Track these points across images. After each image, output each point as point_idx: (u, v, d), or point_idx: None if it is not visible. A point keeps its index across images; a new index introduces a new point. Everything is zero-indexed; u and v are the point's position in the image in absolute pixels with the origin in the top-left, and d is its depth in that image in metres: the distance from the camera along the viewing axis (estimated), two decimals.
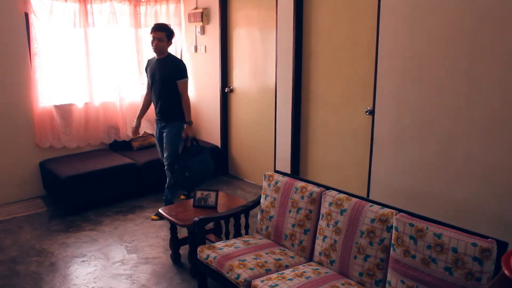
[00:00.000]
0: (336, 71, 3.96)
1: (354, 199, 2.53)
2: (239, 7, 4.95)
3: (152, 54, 4.12)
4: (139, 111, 4.28)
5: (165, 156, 4.09)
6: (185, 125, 4.06)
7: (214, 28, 5.19)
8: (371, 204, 2.46)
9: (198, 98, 5.68)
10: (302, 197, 2.78)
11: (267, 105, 4.74)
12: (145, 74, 4.19)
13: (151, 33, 3.95)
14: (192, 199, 3.43)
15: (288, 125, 4.40)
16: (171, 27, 4.02)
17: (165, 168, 4.12)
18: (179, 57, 4.17)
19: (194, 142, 4.13)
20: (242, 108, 5.14)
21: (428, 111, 3.14)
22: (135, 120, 4.27)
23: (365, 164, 3.71)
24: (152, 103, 4.20)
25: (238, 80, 5.13)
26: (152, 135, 5.21)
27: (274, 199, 2.94)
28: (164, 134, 4.07)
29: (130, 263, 3.42)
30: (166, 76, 3.95)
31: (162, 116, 4.06)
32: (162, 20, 5.38)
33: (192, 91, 5.74)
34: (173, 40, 3.93)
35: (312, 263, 2.66)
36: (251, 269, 2.52)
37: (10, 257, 3.50)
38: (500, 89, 2.75)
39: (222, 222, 3.55)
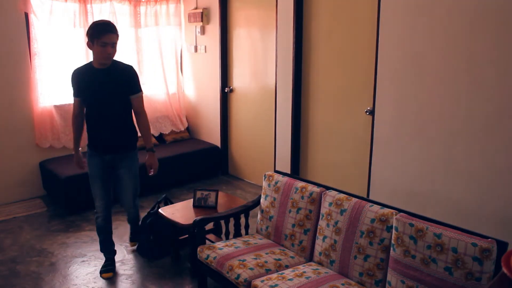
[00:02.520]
0: (336, 71, 3.96)
1: (354, 199, 2.53)
2: (239, 7, 4.95)
3: (79, 63, 3.23)
4: (75, 140, 3.24)
5: (127, 200, 3.32)
6: (147, 155, 3.17)
7: (214, 28, 5.19)
8: (371, 204, 2.46)
9: (198, 98, 5.67)
10: (302, 197, 2.78)
11: (267, 105, 4.74)
12: (76, 88, 3.06)
13: (102, 37, 2.82)
14: (192, 199, 3.43)
15: (288, 125, 4.40)
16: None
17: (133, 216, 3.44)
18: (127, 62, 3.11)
19: (169, 202, 3.55)
20: (242, 108, 5.14)
21: (428, 111, 3.14)
22: (75, 153, 3.28)
23: (365, 164, 3.71)
24: (84, 126, 3.17)
25: (238, 80, 5.12)
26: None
27: (274, 199, 2.94)
28: (122, 171, 3.19)
29: (130, 263, 3.42)
30: (117, 90, 2.99)
31: (114, 148, 3.12)
32: (163, 20, 5.38)
33: (192, 91, 5.74)
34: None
35: (312, 263, 2.66)
36: (251, 269, 2.52)
37: (10, 257, 3.50)
38: (500, 88, 2.75)
39: (222, 222, 3.55)
